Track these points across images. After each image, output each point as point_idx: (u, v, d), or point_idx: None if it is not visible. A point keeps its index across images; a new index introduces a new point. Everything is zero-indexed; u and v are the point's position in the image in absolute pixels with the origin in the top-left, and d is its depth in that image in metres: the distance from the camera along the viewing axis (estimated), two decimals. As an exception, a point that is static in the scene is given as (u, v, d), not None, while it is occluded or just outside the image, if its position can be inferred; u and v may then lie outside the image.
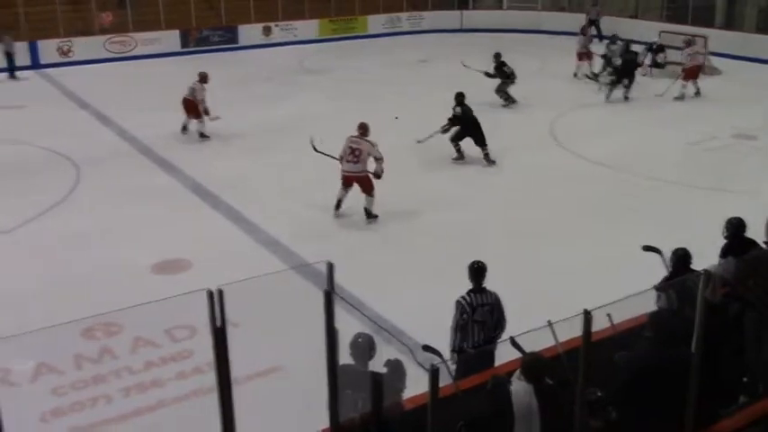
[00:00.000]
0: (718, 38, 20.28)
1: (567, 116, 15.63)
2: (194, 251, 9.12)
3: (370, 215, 10.07)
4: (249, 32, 24.07)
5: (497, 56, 15.98)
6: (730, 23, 22.89)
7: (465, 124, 12.34)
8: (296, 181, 11.66)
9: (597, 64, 18.57)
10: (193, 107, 13.82)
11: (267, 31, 24.42)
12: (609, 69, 17.52)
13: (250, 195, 11.09)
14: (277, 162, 12.64)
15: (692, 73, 16.75)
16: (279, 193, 11.23)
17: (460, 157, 12.55)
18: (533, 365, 4.35)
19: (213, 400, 3.90)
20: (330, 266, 4.20)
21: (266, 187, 11.50)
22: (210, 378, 3.92)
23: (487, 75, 15.96)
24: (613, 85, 16.57)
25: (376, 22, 26.36)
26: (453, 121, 12.39)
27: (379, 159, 9.90)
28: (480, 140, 12.34)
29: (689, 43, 17.23)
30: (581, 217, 10.28)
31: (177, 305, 6.92)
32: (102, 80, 19.62)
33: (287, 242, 9.46)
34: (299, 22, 24.89)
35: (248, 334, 5.98)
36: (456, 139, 12.45)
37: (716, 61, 19.58)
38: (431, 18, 27.11)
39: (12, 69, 19.82)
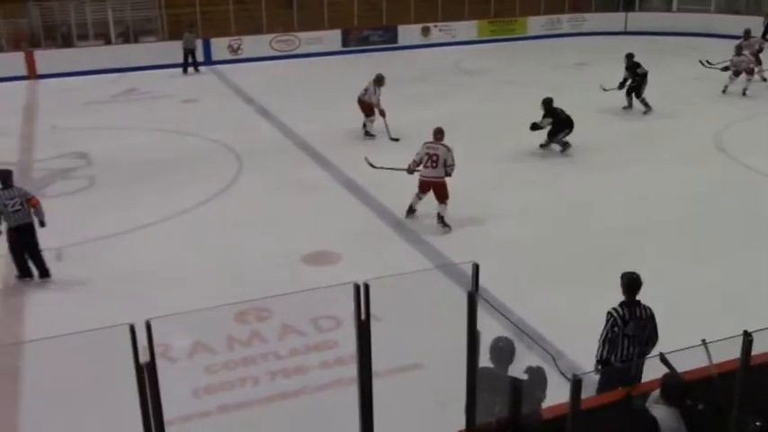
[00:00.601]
0: None
1: (737, 124, 14.70)
2: (344, 245, 9.35)
3: (444, 224, 9.82)
4: (408, 33, 24.41)
5: (629, 56, 15.43)
6: None
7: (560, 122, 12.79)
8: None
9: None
10: (367, 107, 14.13)
11: (426, 31, 24.66)
12: None
13: (399, 192, 11.19)
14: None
15: None
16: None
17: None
18: (676, 387, 4.14)
19: (353, 392, 3.99)
20: (476, 267, 4.18)
21: (415, 185, 11.55)
22: (352, 370, 4.02)
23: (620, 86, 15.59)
24: None
25: (536, 23, 25.95)
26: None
27: (450, 166, 9.75)
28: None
29: None
30: (747, 233, 9.63)
31: (325, 296, 7.15)
32: (268, 77, 20.58)
33: (434, 241, 9.51)
34: (458, 23, 24.95)
35: (391, 329, 6.07)
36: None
37: None
38: (593, 20, 26.33)
39: (191, 65, 21.19)
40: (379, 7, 24.51)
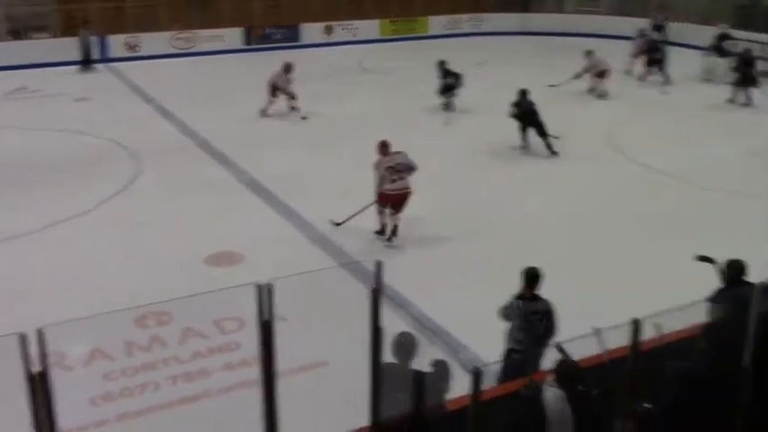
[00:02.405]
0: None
1: (628, 123, 15.35)
2: (247, 245, 9.25)
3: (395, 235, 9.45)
4: (311, 31, 24.32)
5: (442, 63, 15.73)
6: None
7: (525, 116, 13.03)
8: (349, 179, 11.71)
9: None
10: (272, 88, 15.01)
11: (329, 30, 24.63)
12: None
13: (304, 191, 11.19)
14: (332, 160, 12.75)
15: None
16: (332, 190, 11.29)
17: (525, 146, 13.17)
18: (565, 371, 4.31)
19: (258, 393, 3.95)
20: (379, 265, 4.21)
21: (320, 184, 11.58)
22: (256, 371, 3.98)
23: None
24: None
25: (437, 23, 26.31)
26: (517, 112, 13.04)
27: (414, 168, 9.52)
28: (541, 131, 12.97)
29: None
30: (636, 226, 10.07)
31: (227, 297, 7.05)
32: (167, 75, 20.08)
33: (337, 239, 9.51)
34: (360, 21, 25.03)
35: (295, 329, 6.04)
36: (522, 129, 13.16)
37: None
38: (491, 20, 26.91)
39: (87, 62, 20.43)
40: (281, 5, 24.32)
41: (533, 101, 13.13)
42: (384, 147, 9.52)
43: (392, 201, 9.36)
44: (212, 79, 19.61)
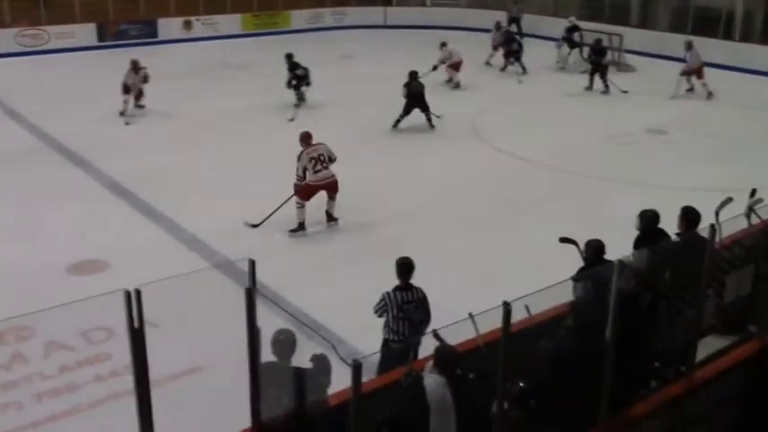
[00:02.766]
0: (633, 36, 20.97)
1: (489, 112, 15.86)
2: (112, 251, 8.88)
3: (333, 218, 9.78)
4: (169, 26, 23.55)
5: (289, 56, 15.69)
6: (644, 22, 23.66)
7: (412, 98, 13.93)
8: (217, 178, 11.49)
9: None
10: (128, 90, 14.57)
11: (188, 25, 23.95)
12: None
13: (170, 192, 10.86)
14: (198, 159, 12.45)
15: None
16: (199, 190, 11.02)
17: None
18: (442, 357, 4.41)
19: (132, 403, 3.81)
20: (252, 263, 4.16)
21: (186, 184, 11.27)
22: (129, 381, 3.84)
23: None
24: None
25: (299, 17, 26.17)
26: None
27: (334, 159, 9.63)
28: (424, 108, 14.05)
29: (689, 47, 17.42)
30: (503, 211, 10.44)
31: (93, 307, 6.70)
32: (14, 75, 18.87)
33: (208, 240, 9.30)
34: (220, 16, 24.48)
35: (168, 334, 5.88)
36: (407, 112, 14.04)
37: (630, 59, 20.24)
38: (354, 14, 27.07)
39: None
40: (136, 0, 23.41)
41: (422, 83, 14.14)
42: (308, 137, 9.58)
43: (317, 191, 9.45)
44: (65, 79, 18.58)
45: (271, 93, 16.70)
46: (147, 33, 23.22)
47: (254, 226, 9.61)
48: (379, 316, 5.93)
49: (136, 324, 3.66)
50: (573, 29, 20.57)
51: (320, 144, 9.64)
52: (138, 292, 3.58)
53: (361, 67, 20.27)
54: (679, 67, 17.51)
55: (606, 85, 17.44)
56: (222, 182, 11.28)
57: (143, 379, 3.78)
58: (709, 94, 17.02)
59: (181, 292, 6.18)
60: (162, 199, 10.53)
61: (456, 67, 17.80)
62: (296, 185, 9.54)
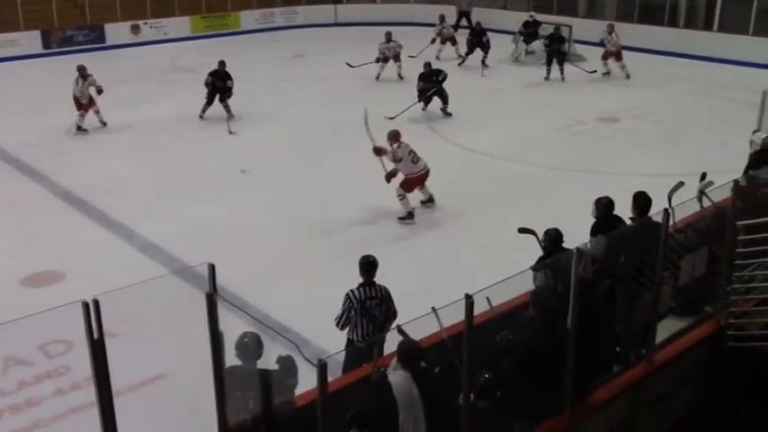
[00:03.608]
0: (582, 26, 21.25)
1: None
2: (67, 261, 8.71)
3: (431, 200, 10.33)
4: (116, 31, 23.15)
5: (222, 63, 15.04)
6: (592, 12, 24.02)
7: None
8: (172, 183, 11.35)
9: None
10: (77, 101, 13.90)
11: (135, 29, 23.58)
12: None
13: (124, 199, 10.71)
14: (152, 164, 12.27)
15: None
16: (155, 195, 10.88)
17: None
18: (406, 351, 4.43)
19: (95, 416, 3.75)
20: (212, 268, 4.12)
21: (141, 190, 11.12)
22: (91, 393, 3.78)
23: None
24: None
25: (249, 17, 25.95)
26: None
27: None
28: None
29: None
30: (461, 205, 10.50)
31: (51, 319, 6.56)
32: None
33: (166, 246, 9.18)
34: (168, 19, 24.16)
35: (129, 343, 5.81)
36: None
37: (579, 49, 20.51)
38: (305, 13, 26.97)
39: None
40: (82, 5, 22.96)
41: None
42: (398, 135, 10.11)
43: (420, 181, 10.07)
44: (9, 87, 18.13)
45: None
46: (94, 39, 22.80)
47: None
48: (342, 324, 5.92)
49: (95, 335, 3.61)
50: (534, 24, 20.64)
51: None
52: (97, 303, 3.53)
53: (314, 65, 20.20)
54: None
55: (563, 73, 17.77)
56: (177, 187, 11.15)
57: (105, 390, 3.73)
58: (627, 76, 17.88)
59: (140, 300, 6.09)
60: (116, 206, 10.37)
61: (396, 59, 18.07)
62: (376, 148, 10.09)
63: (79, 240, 9.46)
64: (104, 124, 14.32)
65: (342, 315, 5.89)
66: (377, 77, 17.87)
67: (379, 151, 9.98)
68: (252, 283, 7.63)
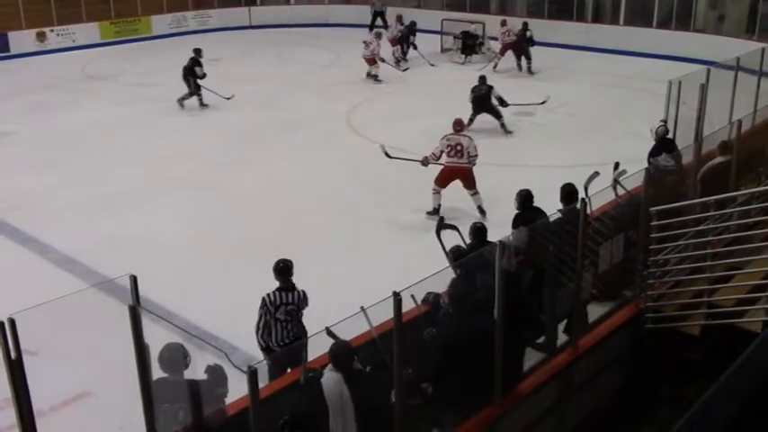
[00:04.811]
0: (494, 23, 21.57)
1: (362, 106, 15.99)
2: (-21, 280, 8.36)
3: (482, 211, 9.84)
4: (21, 39, 22.28)
5: (198, 51, 15.49)
6: (504, 10, 24.52)
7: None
8: (86, 195, 11.01)
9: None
10: None
11: (41, 36, 22.76)
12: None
13: (37, 214, 10.34)
14: (65, 176, 11.87)
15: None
16: (69, 208, 10.53)
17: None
18: (338, 354, 4.42)
19: (16, 438, 3.63)
20: (133, 279, 4.03)
21: (54, 204, 10.75)
22: (12, 415, 3.65)
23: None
24: None
25: (161, 22, 25.39)
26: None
27: (473, 156, 9.92)
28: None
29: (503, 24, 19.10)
30: (381, 202, 10.55)
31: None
32: None
33: (84, 259, 8.91)
34: (76, 25, 23.40)
35: (50, 361, 5.61)
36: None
37: (494, 45, 20.88)
38: (218, 16, 26.55)
39: None
40: (-20, 13, 22.05)
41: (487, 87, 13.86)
42: (456, 124, 10.12)
43: (452, 177, 9.90)
44: None
45: (136, 102, 16.19)
46: (-3, 48, 21.93)
47: (387, 154, 10.31)
48: (261, 331, 5.90)
49: (12, 354, 3.50)
50: (471, 35, 20.76)
51: (465, 136, 10.03)
52: (13, 321, 3.42)
53: (229, 69, 19.94)
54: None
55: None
56: (92, 198, 10.84)
57: (26, 411, 3.61)
58: (530, 71, 18.63)
59: (59, 316, 5.91)
60: (29, 221, 10.01)
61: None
62: (424, 158, 10.03)
63: (-9, 257, 9.10)
64: None
65: (259, 320, 5.87)
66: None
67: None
68: (177, 294, 7.49)
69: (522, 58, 18.73)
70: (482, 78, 14.13)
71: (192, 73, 15.10)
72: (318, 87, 17.58)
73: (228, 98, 13.53)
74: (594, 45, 21.27)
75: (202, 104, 15.35)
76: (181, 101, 15.20)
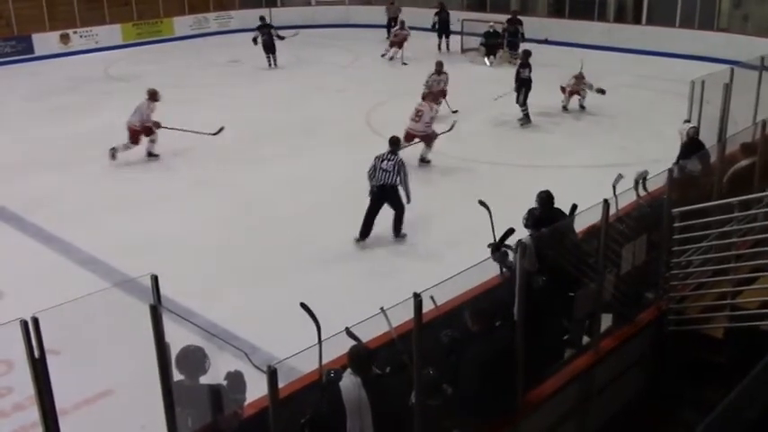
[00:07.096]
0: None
1: (382, 106, 15.98)
2: (5, 279, 8.44)
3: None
4: (45, 41, 22.54)
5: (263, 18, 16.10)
6: (525, 10, 24.39)
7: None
8: (109, 194, 11.11)
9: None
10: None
11: (65, 38, 23.01)
12: None
13: (61, 213, 10.43)
14: (88, 176, 11.98)
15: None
16: (93, 208, 10.62)
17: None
18: (356, 358, 4.39)
19: (40, 436, 3.66)
20: (155, 279, 4.05)
21: (78, 204, 10.84)
22: (35, 413, 3.68)
23: None
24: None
25: (182, 23, 25.58)
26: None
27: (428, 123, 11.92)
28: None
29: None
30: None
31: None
32: None
33: (107, 259, 8.98)
34: (99, 27, 23.64)
35: (72, 360, 5.66)
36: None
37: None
38: (239, 17, 26.67)
39: None
40: (7, 15, 22.29)
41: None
42: (428, 96, 12.99)
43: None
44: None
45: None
46: (22, 50, 22.16)
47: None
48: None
49: (36, 353, 3.52)
50: (494, 34, 20.70)
51: (425, 104, 12.19)
52: (36, 320, 3.44)
53: (250, 70, 20.03)
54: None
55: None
56: (115, 198, 10.93)
57: (50, 410, 3.64)
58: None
59: (82, 315, 5.96)
60: (53, 221, 10.10)
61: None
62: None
63: (16, 257, 9.18)
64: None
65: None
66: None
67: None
68: (197, 293, 7.52)
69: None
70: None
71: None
72: (338, 87, 17.59)
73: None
74: (616, 45, 21.12)
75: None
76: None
